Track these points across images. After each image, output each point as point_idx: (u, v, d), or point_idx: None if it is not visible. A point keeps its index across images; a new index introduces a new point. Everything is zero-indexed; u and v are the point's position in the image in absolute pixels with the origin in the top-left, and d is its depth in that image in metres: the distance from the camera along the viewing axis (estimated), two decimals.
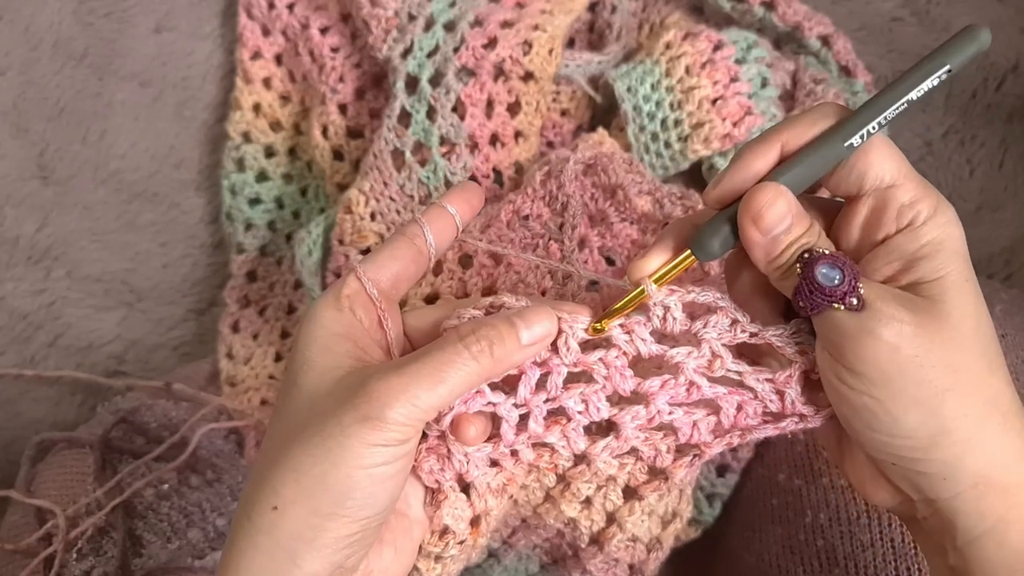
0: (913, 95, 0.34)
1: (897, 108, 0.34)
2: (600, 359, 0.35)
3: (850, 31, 0.67)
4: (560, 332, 0.35)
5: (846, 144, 0.33)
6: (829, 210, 0.37)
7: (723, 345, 0.35)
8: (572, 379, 0.36)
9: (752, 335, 0.35)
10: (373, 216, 0.61)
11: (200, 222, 0.75)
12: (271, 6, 0.72)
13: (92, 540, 0.56)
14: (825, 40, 0.65)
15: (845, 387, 0.32)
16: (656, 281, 0.35)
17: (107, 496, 0.58)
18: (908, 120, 0.71)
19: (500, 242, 0.55)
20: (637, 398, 0.36)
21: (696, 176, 0.64)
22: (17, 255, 0.73)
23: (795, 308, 0.34)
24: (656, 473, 0.40)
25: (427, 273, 0.40)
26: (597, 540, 0.44)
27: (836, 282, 0.32)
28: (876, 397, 0.32)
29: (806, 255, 0.33)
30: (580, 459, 0.39)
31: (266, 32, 0.73)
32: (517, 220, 0.55)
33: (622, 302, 0.35)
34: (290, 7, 0.71)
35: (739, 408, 0.36)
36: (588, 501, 0.42)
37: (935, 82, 0.33)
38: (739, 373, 0.35)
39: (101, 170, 0.75)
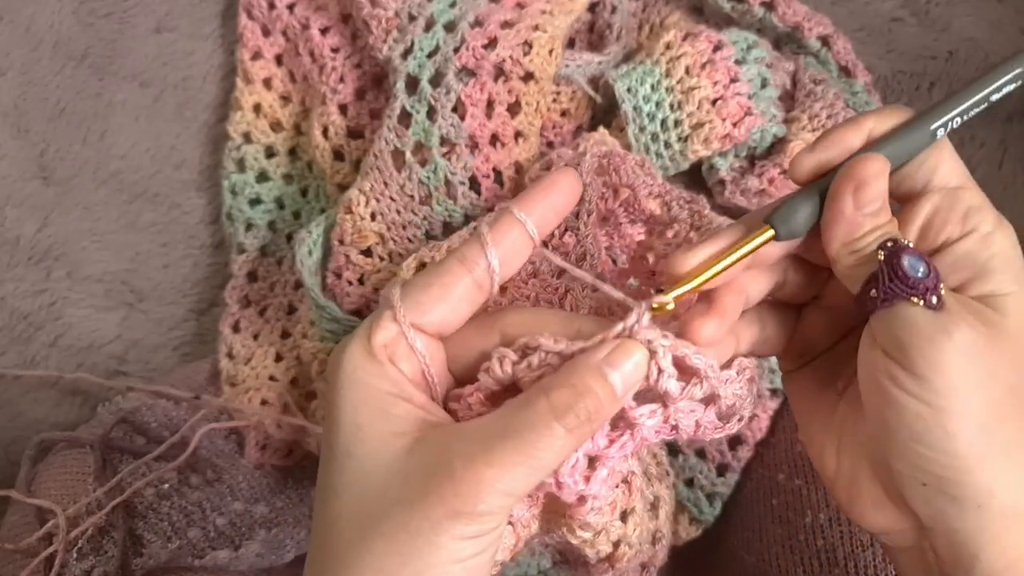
0: (993, 96, 0.32)
1: (979, 106, 0.33)
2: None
3: (850, 31, 0.67)
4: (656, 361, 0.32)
5: (933, 128, 0.32)
6: None
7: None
8: None
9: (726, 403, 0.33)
10: (373, 216, 0.61)
11: (201, 222, 0.75)
12: (271, 6, 0.72)
13: (92, 540, 0.56)
14: (825, 40, 0.65)
15: (900, 392, 0.30)
16: (710, 276, 0.32)
17: (107, 496, 0.58)
18: None
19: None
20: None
21: (696, 176, 0.64)
22: (17, 255, 0.74)
23: (857, 302, 0.32)
24: (627, 480, 0.39)
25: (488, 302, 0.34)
26: (608, 560, 0.44)
27: (920, 274, 0.30)
28: (936, 406, 0.29)
29: (890, 243, 0.31)
30: (565, 513, 0.38)
31: (266, 32, 0.73)
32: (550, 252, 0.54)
33: (694, 275, 0.32)
34: (290, 7, 0.71)
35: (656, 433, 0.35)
36: (589, 540, 0.42)
37: (1013, 85, 0.32)
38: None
39: (102, 170, 0.75)
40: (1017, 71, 0.32)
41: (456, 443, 0.29)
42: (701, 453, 0.58)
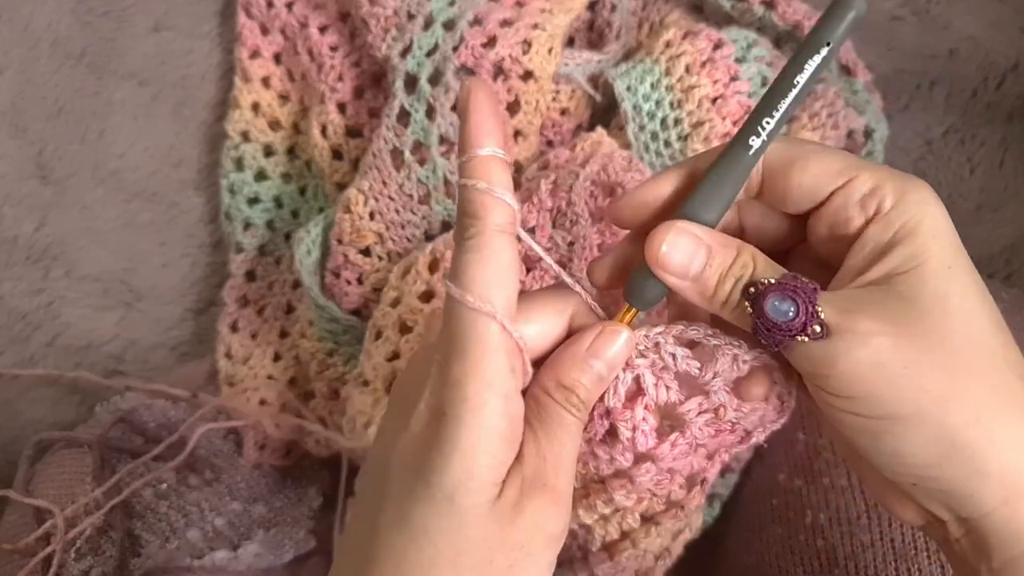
0: (799, 79, 0.30)
1: (789, 97, 0.30)
2: (631, 419, 0.33)
3: None
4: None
5: (750, 143, 0.30)
6: (787, 228, 0.34)
7: (726, 391, 0.33)
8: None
9: (753, 364, 0.33)
10: (372, 215, 0.61)
11: (199, 221, 0.75)
12: (270, 5, 0.72)
13: (91, 540, 0.56)
14: None
15: (838, 412, 0.29)
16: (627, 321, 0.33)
17: (105, 496, 0.58)
18: (908, 119, 0.71)
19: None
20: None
21: None
22: (16, 254, 0.73)
23: (758, 343, 0.31)
24: (673, 504, 0.40)
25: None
26: (608, 549, 0.44)
27: (791, 315, 0.29)
28: (873, 417, 0.28)
29: (751, 289, 0.30)
30: (602, 480, 0.39)
31: (265, 31, 0.73)
32: (523, 230, 0.55)
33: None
34: (289, 6, 0.71)
35: (718, 437, 0.35)
36: (605, 518, 0.42)
37: (817, 60, 0.30)
38: (738, 415, 0.34)
39: (100, 169, 0.75)
40: (823, 46, 0.30)
41: (528, 472, 0.30)
42: None
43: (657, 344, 0.33)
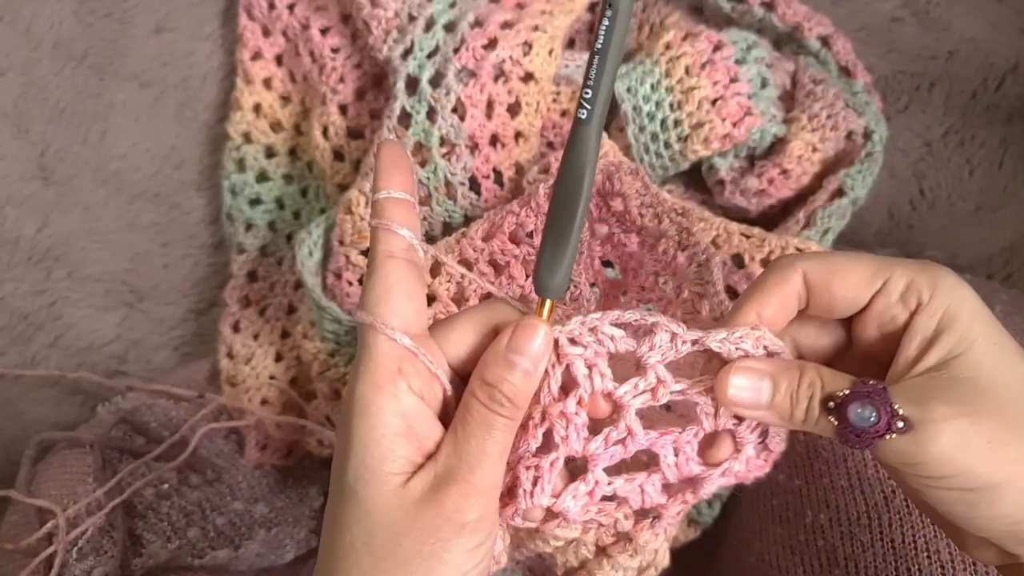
0: (597, 45, 0.32)
1: (593, 66, 0.32)
2: (563, 412, 0.34)
3: (850, 31, 0.67)
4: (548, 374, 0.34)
5: (580, 116, 0.33)
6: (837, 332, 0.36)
7: (663, 365, 0.34)
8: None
9: (694, 343, 0.34)
10: None
11: (201, 222, 0.75)
12: (271, 7, 0.72)
13: (92, 540, 0.56)
14: (825, 40, 0.65)
15: (933, 491, 0.32)
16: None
17: (107, 496, 0.58)
18: (908, 120, 0.71)
19: (501, 255, 0.54)
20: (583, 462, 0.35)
21: (696, 176, 0.64)
22: (18, 255, 0.74)
23: (844, 445, 0.33)
24: (622, 536, 0.39)
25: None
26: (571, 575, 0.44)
27: (874, 419, 0.31)
28: (967, 489, 0.31)
29: (830, 403, 0.32)
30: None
31: (266, 33, 0.73)
32: (522, 234, 0.55)
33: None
34: (291, 8, 0.71)
35: (676, 452, 0.35)
36: (561, 548, 0.42)
37: (605, 23, 0.32)
38: (681, 392, 0.34)
39: (102, 171, 0.75)
40: (606, 13, 0.32)
41: (441, 466, 0.33)
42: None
43: (595, 328, 0.34)
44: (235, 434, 0.66)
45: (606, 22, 0.32)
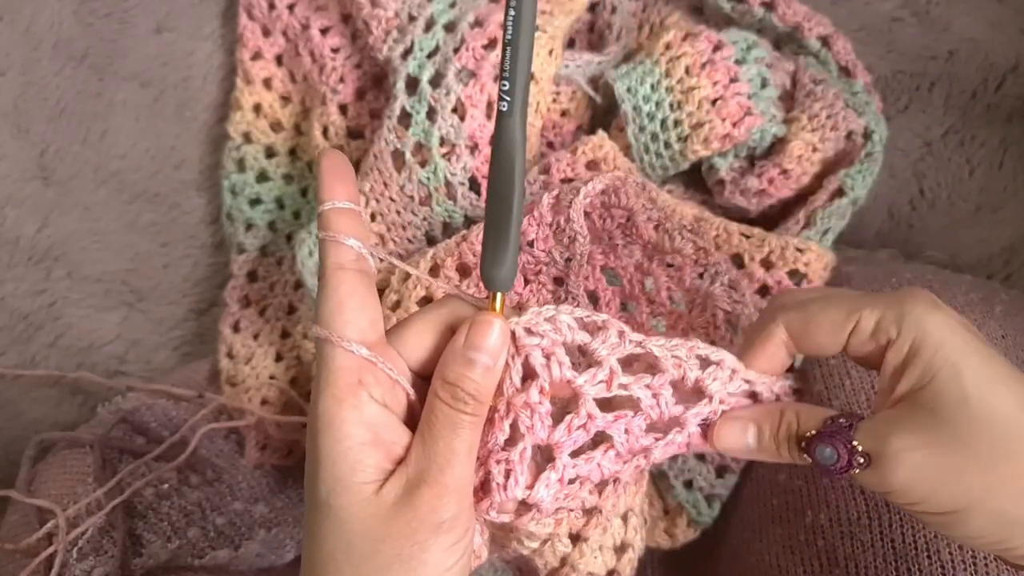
0: (507, 37, 0.33)
1: (506, 59, 0.33)
2: (526, 402, 0.34)
3: (850, 31, 0.67)
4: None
5: (501, 109, 0.33)
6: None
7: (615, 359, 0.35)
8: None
9: (637, 344, 0.35)
10: (373, 217, 0.61)
11: (201, 222, 0.75)
12: (271, 7, 0.72)
13: (92, 540, 0.56)
14: (825, 40, 0.65)
15: (910, 510, 0.34)
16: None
17: (107, 496, 0.59)
18: (908, 120, 0.71)
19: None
20: (547, 450, 0.36)
21: (696, 176, 0.64)
22: (18, 255, 0.74)
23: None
24: (590, 511, 0.40)
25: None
26: (554, 574, 0.44)
27: (834, 459, 0.34)
28: (935, 513, 0.33)
29: (802, 444, 0.35)
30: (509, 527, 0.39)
31: (266, 33, 0.73)
32: (523, 243, 0.55)
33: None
34: (291, 8, 0.71)
35: (626, 431, 0.36)
36: (537, 550, 0.42)
37: (511, 15, 0.32)
38: (625, 386, 0.35)
39: (102, 171, 0.75)
40: (511, 4, 0.32)
41: (412, 470, 0.33)
42: (700, 455, 0.58)
43: (551, 317, 0.35)
44: (235, 434, 0.66)
45: (512, 12, 0.32)
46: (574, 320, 0.35)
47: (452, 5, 0.63)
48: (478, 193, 0.60)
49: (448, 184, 0.60)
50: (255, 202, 0.72)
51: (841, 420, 0.34)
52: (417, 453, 0.33)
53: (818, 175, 0.62)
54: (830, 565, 0.49)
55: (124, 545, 0.57)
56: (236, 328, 0.70)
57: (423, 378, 0.35)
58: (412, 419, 0.35)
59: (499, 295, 0.35)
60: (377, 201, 0.61)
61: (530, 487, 0.35)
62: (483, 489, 0.35)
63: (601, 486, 0.39)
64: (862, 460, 0.33)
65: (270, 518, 0.62)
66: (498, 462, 0.35)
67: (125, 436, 0.64)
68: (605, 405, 0.36)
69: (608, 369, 0.35)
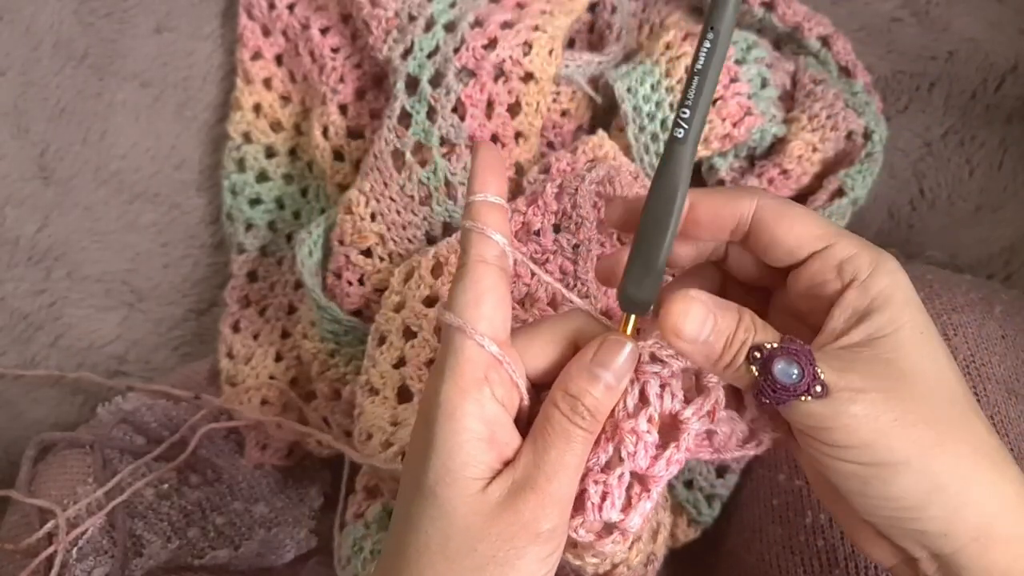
0: (697, 66, 0.32)
1: (692, 86, 0.32)
2: (634, 428, 0.34)
3: (850, 31, 0.67)
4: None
5: (676, 135, 0.33)
6: (764, 287, 0.37)
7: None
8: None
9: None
10: (373, 216, 0.61)
11: (201, 222, 0.75)
12: (271, 7, 0.72)
13: (92, 540, 0.56)
14: (825, 41, 0.65)
15: (832, 460, 0.32)
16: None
17: (107, 496, 0.59)
18: (908, 120, 0.71)
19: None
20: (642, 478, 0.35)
21: (696, 176, 0.64)
22: (18, 255, 0.74)
23: (757, 402, 0.34)
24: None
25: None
26: None
27: (795, 377, 0.31)
28: (864, 464, 0.31)
29: (756, 353, 0.32)
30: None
31: (266, 32, 0.73)
32: (527, 233, 0.55)
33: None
34: (290, 8, 0.71)
35: (687, 450, 0.36)
36: (599, 562, 0.42)
37: (707, 46, 0.32)
38: (730, 418, 0.35)
39: (102, 170, 0.75)
40: (708, 34, 0.32)
41: (520, 474, 0.33)
42: None
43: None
44: (235, 434, 0.66)
45: (707, 44, 0.32)
46: None
47: (452, 5, 0.63)
48: None
49: (448, 184, 0.60)
50: (255, 202, 0.72)
51: (800, 342, 0.32)
52: (527, 459, 0.33)
53: (818, 175, 0.62)
54: (830, 565, 0.49)
55: (124, 545, 0.57)
56: (236, 328, 0.70)
57: (536, 386, 0.35)
58: (520, 425, 0.35)
59: (632, 318, 0.34)
60: (377, 201, 0.61)
61: (624, 511, 0.34)
62: (575, 506, 0.35)
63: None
64: (819, 388, 0.31)
65: (270, 518, 0.62)
66: (596, 483, 0.34)
67: (125, 436, 0.64)
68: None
69: (713, 399, 0.34)
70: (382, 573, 0.35)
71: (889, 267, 0.33)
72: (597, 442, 0.34)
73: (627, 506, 0.34)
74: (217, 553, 0.58)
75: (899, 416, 0.31)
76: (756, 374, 0.32)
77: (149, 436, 0.65)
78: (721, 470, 0.58)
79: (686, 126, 0.33)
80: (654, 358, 0.34)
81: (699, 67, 0.32)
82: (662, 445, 0.34)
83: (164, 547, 0.57)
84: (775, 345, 0.32)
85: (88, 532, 0.56)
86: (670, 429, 0.35)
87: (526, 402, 0.35)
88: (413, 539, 0.33)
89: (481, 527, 0.32)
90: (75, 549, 0.55)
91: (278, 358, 0.68)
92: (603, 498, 0.34)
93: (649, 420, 0.34)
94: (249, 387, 0.66)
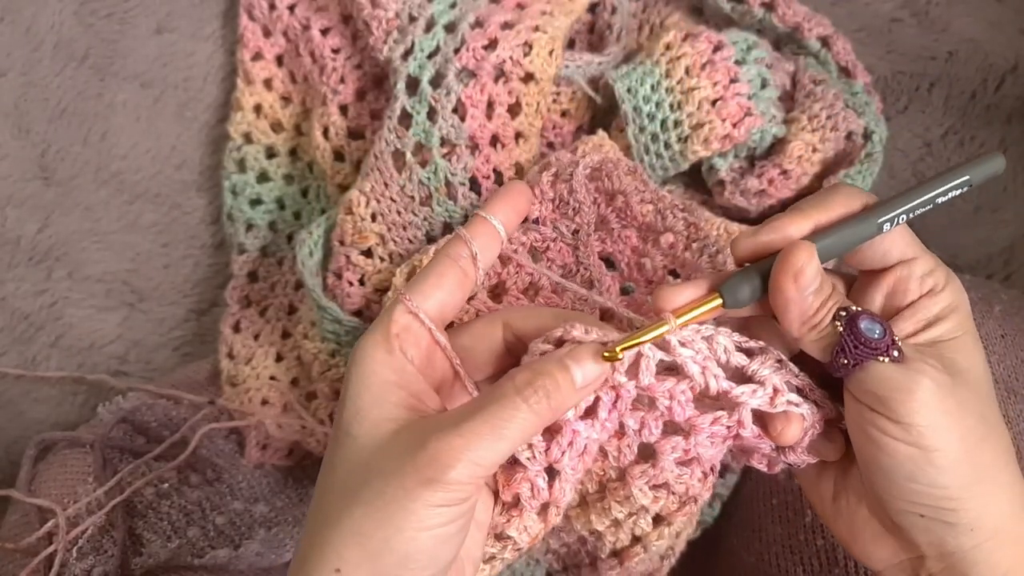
0: (939, 199, 0.37)
1: (925, 207, 0.37)
2: (668, 390, 0.36)
3: (850, 32, 0.67)
4: (641, 355, 0.36)
5: (880, 222, 0.36)
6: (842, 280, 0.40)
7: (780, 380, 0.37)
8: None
9: (795, 379, 0.37)
10: (374, 217, 0.61)
11: (201, 223, 0.75)
12: (272, 7, 0.72)
13: (92, 539, 0.56)
14: (825, 41, 0.65)
15: (889, 439, 0.34)
16: (677, 317, 0.36)
17: (107, 495, 0.59)
18: (907, 121, 0.71)
19: (512, 246, 0.55)
20: (678, 427, 0.38)
21: (696, 177, 0.64)
22: (18, 256, 0.74)
23: (831, 368, 0.36)
24: (688, 499, 0.41)
25: (475, 292, 0.41)
26: (619, 555, 0.45)
27: (878, 335, 0.34)
28: (922, 446, 0.33)
29: (843, 312, 0.35)
30: (621, 476, 0.40)
31: (267, 33, 0.73)
32: (527, 222, 0.55)
33: (642, 333, 0.36)
34: (291, 8, 0.72)
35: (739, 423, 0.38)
36: (617, 523, 0.42)
37: (957, 191, 0.37)
38: (796, 404, 0.37)
39: (102, 171, 0.75)
40: (964, 178, 0.37)
41: (433, 424, 0.34)
42: None
43: (710, 337, 0.36)
44: (235, 434, 0.67)
45: (957, 191, 0.38)
46: (732, 342, 0.37)
47: (453, 6, 0.63)
48: (478, 193, 0.60)
49: (448, 184, 0.60)
50: (256, 202, 0.72)
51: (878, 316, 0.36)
52: (452, 413, 0.34)
53: (818, 175, 0.62)
54: (830, 565, 0.49)
55: (124, 544, 0.57)
56: (237, 328, 0.70)
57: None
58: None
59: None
60: (378, 201, 0.61)
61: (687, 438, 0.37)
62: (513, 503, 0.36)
63: (704, 474, 0.40)
64: (897, 353, 0.34)
65: (270, 518, 0.62)
66: (660, 392, 0.36)
67: (125, 436, 0.64)
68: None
69: (771, 387, 0.36)
70: (307, 520, 0.36)
71: (957, 284, 0.38)
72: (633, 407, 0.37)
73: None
74: (217, 553, 0.58)
75: (959, 404, 0.34)
76: (841, 330, 0.35)
77: (149, 436, 0.65)
78: (721, 469, 0.58)
79: (889, 225, 0.37)
80: (685, 345, 0.36)
81: (941, 200, 0.37)
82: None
83: (164, 546, 0.57)
84: (858, 309, 0.36)
85: (88, 531, 0.56)
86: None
87: (472, 391, 0.37)
88: (327, 480, 0.35)
89: (377, 462, 0.33)
90: (75, 548, 0.56)
91: (279, 358, 0.68)
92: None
93: (691, 388, 0.36)
94: (250, 387, 0.66)
